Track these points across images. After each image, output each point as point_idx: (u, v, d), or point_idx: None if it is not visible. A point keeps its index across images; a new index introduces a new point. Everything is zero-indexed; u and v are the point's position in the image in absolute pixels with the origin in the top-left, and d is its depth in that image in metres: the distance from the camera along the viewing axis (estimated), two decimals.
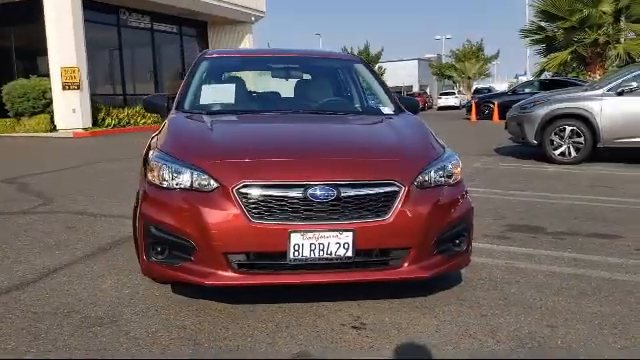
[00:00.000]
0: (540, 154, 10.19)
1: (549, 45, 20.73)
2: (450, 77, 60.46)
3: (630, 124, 9.41)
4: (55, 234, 5.01)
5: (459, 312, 3.26)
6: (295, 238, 2.93)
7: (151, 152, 3.35)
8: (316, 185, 2.95)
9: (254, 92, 4.75)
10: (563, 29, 19.68)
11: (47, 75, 17.03)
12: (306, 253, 2.95)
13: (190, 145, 3.31)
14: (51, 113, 17.00)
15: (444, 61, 64.90)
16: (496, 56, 60.15)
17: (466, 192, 3.41)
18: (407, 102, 4.53)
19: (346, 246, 2.96)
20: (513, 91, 24.99)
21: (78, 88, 16.66)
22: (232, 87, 4.33)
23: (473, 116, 23.76)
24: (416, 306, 3.35)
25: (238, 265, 3.00)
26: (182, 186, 3.08)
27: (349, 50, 64.34)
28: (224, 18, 24.08)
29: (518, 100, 20.98)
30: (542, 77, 24.18)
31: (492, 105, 23.29)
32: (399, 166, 3.15)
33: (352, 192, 2.99)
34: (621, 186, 7.63)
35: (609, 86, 9.70)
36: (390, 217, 3.01)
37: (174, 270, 3.08)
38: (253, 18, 24.74)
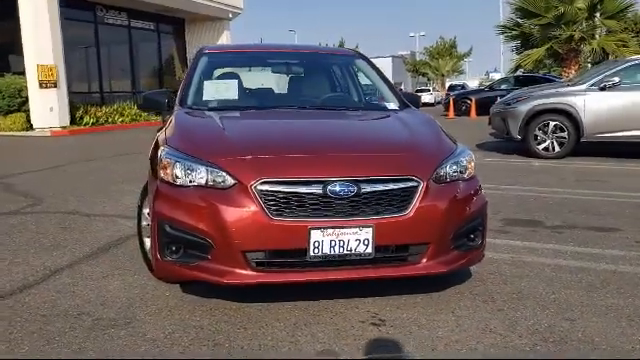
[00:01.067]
0: (523, 149, 10.29)
1: (525, 41, 20.98)
2: (424, 74, 60.90)
3: (612, 119, 9.56)
4: (50, 234, 4.89)
5: (475, 307, 3.26)
6: (315, 235, 2.89)
7: (161, 149, 3.27)
8: (336, 181, 2.92)
9: (256, 88, 4.68)
10: (539, 26, 19.94)
11: (22, 73, 16.63)
12: (326, 250, 2.92)
13: (203, 142, 3.25)
14: (27, 112, 16.61)
15: (418, 58, 65.32)
16: (469, 53, 60.80)
17: (480, 187, 3.41)
18: (409, 97, 4.52)
19: (366, 242, 2.94)
20: (490, 87, 25.25)
21: (55, 86, 16.31)
22: (234, 83, 4.27)
23: (451, 113, 23.94)
24: (432, 302, 3.34)
25: (257, 263, 2.96)
26: (197, 183, 3.02)
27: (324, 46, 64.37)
28: (202, 15, 23.80)
29: (495, 97, 21.28)
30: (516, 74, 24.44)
31: (469, 101, 23.49)
32: (417, 161, 3.14)
33: (372, 188, 2.96)
34: (607, 179, 7.75)
35: (592, 81, 9.84)
36: (410, 212, 2.99)
37: (190, 269, 3.02)
38: (230, 15, 24.53)
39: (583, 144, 9.86)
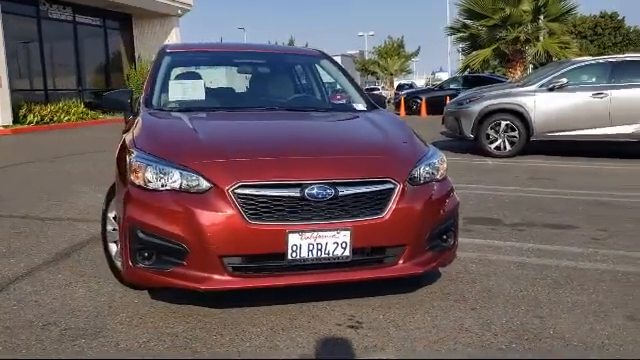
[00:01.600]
0: (476, 148, 10.51)
1: (473, 42, 21.43)
2: (374, 73, 61.45)
3: (561, 118, 9.87)
4: (4, 240, 4.68)
5: (449, 307, 3.30)
6: (293, 238, 2.86)
7: (130, 152, 3.16)
8: (313, 184, 2.90)
9: (222, 88, 4.59)
10: (486, 27, 20.39)
11: None
12: (304, 254, 2.90)
13: (175, 144, 3.16)
14: None
15: (367, 57, 65.87)
16: (416, 53, 61.70)
17: (452, 188, 3.45)
18: (375, 98, 4.53)
19: (344, 245, 2.93)
20: (440, 87, 25.71)
21: None
22: (200, 83, 4.18)
23: (402, 112, 24.23)
24: (406, 302, 3.36)
25: (233, 268, 2.90)
26: (170, 187, 2.94)
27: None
28: (150, 11, 23.30)
29: (445, 96, 21.76)
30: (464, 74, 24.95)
31: (420, 101, 23.85)
32: (393, 163, 3.15)
33: (349, 190, 2.95)
34: (558, 177, 8.00)
35: (541, 82, 10.14)
36: (386, 215, 3.00)
37: (164, 276, 2.94)
38: (180, 11, 24.09)
39: (532, 143, 10.16)
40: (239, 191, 2.85)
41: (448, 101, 18.09)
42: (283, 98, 4.34)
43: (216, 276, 2.88)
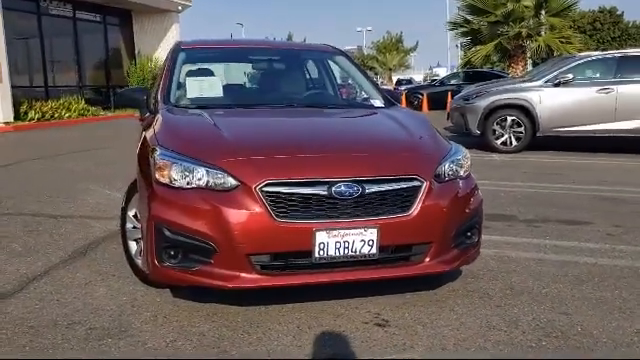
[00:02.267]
0: (482, 144, 10.48)
1: (475, 38, 21.39)
2: (372, 68, 61.35)
3: (566, 114, 9.86)
4: (18, 239, 4.64)
5: (473, 304, 3.29)
6: (320, 236, 2.84)
7: (154, 149, 3.13)
8: (340, 182, 2.88)
9: (239, 85, 4.56)
10: (488, 23, 20.36)
11: None
12: (331, 252, 2.88)
13: (199, 142, 3.13)
14: None
15: (365, 53, 65.76)
16: (414, 48, 61.60)
17: (476, 185, 3.43)
18: (390, 94, 4.51)
19: (371, 243, 2.91)
20: (441, 82, 25.66)
21: None
22: (217, 80, 4.15)
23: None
24: (430, 300, 3.34)
25: (261, 266, 2.88)
26: (196, 185, 2.91)
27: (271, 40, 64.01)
28: (149, 7, 23.18)
29: (446, 91, 21.71)
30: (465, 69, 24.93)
31: (421, 96, 23.81)
32: (419, 160, 3.13)
33: (376, 188, 2.93)
34: (566, 173, 7.99)
35: (547, 78, 10.12)
36: (413, 212, 2.98)
37: (191, 274, 2.92)
38: (180, 7, 24.00)
39: (538, 138, 10.15)
40: (267, 189, 2.82)
41: (450, 97, 18.14)
42: (300, 95, 4.32)
43: (244, 274, 2.86)
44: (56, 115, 17.53)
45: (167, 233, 2.89)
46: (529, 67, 21.10)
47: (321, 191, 2.86)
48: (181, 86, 4.09)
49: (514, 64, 21.25)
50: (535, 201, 6.07)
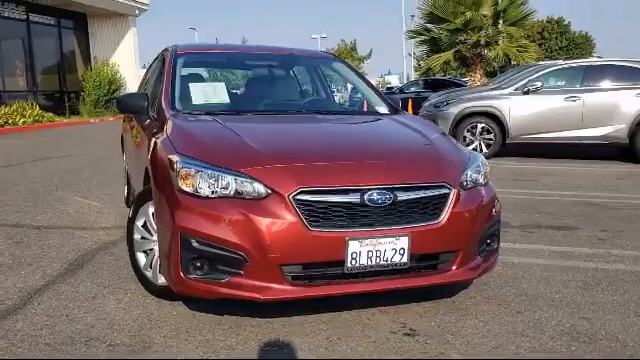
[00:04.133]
0: None
1: (434, 45, 21.73)
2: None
3: (535, 121, 10.12)
4: (5, 251, 4.41)
5: (495, 311, 3.30)
6: (353, 246, 2.80)
7: (173, 157, 3.01)
8: (373, 189, 2.84)
9: (242, 90, 4.47)
10: (448, 31, 20.74)
11: None
12: (363, 261, 2.83)
13: (222, 149, 3.04)
14: None
15: None
16: (369, 56, 62.22)
17: (495, 192, 3.45)
18: (393, 101, 4.50)
19: (402, 252, 2.88)
20: (401, 90, 25.97)
21: None
22: (222, 86, 4.06)
23: None
24: (450, 308, 3.34)
25: (293, 277, 2.81)
26: (224, 194, 2.82)
27: None
28: (105, 10, 22.67)
29: (407, 99, 21.93)
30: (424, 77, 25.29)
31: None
32: (446, 168, 3.12)
33: (407, 195, 2.91)
34: (539, 179, 8.19)
35: (516, 85, 10.37)
36: (443, 220, 2.97)
37: (220, 286, 2.82)
38: (137, 11, 23.53)
39: (507, 145, 10.37)
40: (300, 197, 2.76)
41: (411, 104, 18.34)
42: (305, 101, 4.26)
43: (275, 285, 2.78)
44: (10, 121, 16.89)
45: (195, 244, 2.79)
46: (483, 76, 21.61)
47: (354, 199, 2.82)
48: (185, 92, 3.97)
49: (472, 72, 21.72)
50: (519, 207, 6.17)
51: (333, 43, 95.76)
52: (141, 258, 3.48)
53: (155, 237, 3.38)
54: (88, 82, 21.85)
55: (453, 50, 20.88)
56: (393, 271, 2.94)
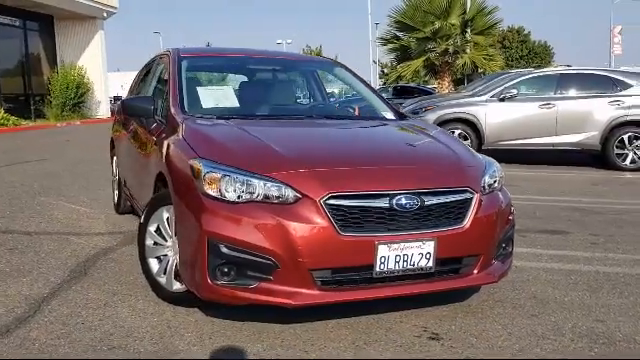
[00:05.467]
0: None
1: (404, 53, 21.99)
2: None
3: (511, 127, 10.34)
4: (2, 258, 4.27)
5: (510, 314, 3.34)
6: (382, 250, 2.80)
7: (195, 160, 2.96)
8: (402, 194, 2.85)
9: (249, 95, 4.40)
10: (417, 39, 21.05)
11: None
12: (391, 265, 2.84)
13: (246, 153, 3.01)
14: None
15: None
16: None
17: (509, 197, 3.50)
18: (396, 106, 4.53)
19: (428, 256, 2.90)
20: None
21: None
22: (229, 89, 4.02)
23: None
24: (467, 311, 3.37)
25: (322, 282, 2.80)
26: (252, 199, 2.79)
27: None
28: (71, 12, 22.19)
29: None
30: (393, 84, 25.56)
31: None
32: (468, 172, 3.16)
33: (434, 200, 2.93)
34: (520, 184, 8.33)
35: (492, 93, 10.58)
36: (466, 224, 3.00)
37: (249, 292, 2.78)
38: (105, 14, 23.12)
39: (484, 151, 10.54)
40: (331, 202, 2.75)
41: None
42: (313, 105, 4.25)
43: (305, 290, 2.76)
44: None
45: (224, 249, 2.75)
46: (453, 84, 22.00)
47: (383, 203, 2.83)
48: (193, 96, 3.92)
49: (440, 79, 22.08)
50: None
51: (298, 48, 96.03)
52: (153, 264, 3.42)
53: (169, 242, 3.34)
54: (55, 85, 21.37)
55: (423, 58, 21.21)
56: (418, 275, 2.95)
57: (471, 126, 10.47)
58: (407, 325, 3.15)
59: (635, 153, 10.02)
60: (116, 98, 37.61)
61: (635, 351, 2.71)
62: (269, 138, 3.20)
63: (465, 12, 20.84)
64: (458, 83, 24.62)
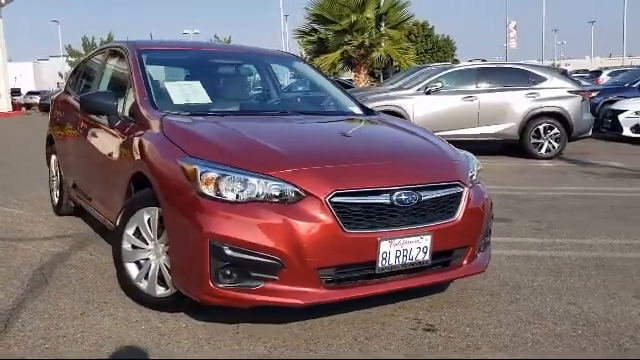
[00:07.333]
0: None
1: (322, 46, 22.13)
2: None
3: (437, 119, 10.65)
4: None
5: (492, 302, 3.46)
6: (384, 246, 2.82)
7: (186, 160, 2.84)
8: (401, 190, 2.88)
9: (216, 90, 4.24)
10: (334, 32, 21.24)
11: None
12: (392, 260, 2.87)
13: (240, 151, 2.92)
14: None
15: None
16: None
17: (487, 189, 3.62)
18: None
19: (425, 250, 2.95)
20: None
21: None
22: (199, 85, 3.88)
23: None
24: (451, 301, 3.46)
25: (327, 280, 2.78)
26: (251, 198, 2.72)
27: (90, 40, 60.56)
28: None
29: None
30: None
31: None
32: (457, 167, 3.24)
33: (430, 195, 2.98)
34: None
35: (419, 86, 10.87)
36: (458, 217, 3.08)
37: (253, 294, 2.72)
38: (4, 1, 21.57)
39: None
40: (335, 199, 2.73)
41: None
42: (284, 101, 4.19)
43: (311, 289, 2.73)
44: None
45: (227, 251, 2.66)
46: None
47: (384, 200, 2.84)
48: (160, 92, 3.75)
49: (357, 72, 22.43)
50: None
51: (206, 39, 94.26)
52: (132, 269, 3.26)
53: (151, 245, 3.19)
54: None
55: (340, 51, 21.44)
56: (416, 269, 3.00)
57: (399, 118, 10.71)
58: (401, 317, 3.19)
59: (550, 142, 10.65)
60: (31, 93, 35.53)
61: (635, 351, 2.88)
62: (258, 135, 3.13)
63: (379, 6, 21.25)
64: (372, 75, 25.10)
